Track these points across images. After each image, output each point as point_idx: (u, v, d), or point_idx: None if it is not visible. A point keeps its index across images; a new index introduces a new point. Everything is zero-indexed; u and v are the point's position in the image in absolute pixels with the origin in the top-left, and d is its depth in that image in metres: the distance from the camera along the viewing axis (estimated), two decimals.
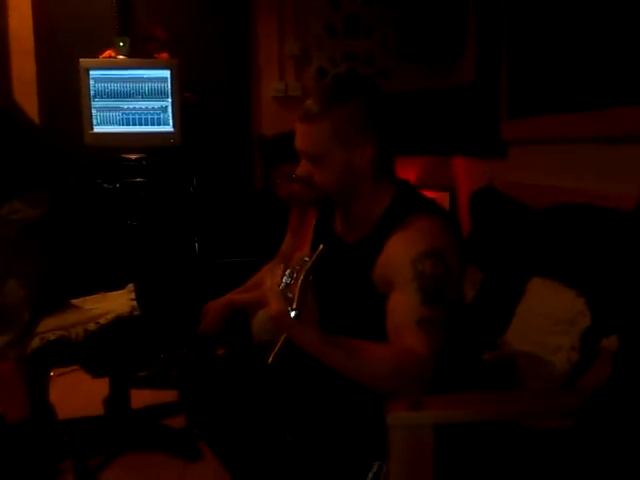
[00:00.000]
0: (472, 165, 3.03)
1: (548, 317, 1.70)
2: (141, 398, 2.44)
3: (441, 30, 3.06)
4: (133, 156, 3.12)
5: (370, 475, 1.19)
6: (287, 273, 1.16)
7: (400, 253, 1.26)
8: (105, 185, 3.07)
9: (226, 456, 1.45)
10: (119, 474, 2.16)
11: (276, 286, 1.16)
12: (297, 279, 1.13)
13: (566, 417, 1.26)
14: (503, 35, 2.58)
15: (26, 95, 3.27)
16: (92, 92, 3.07)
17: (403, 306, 1.23)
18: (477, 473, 1.27)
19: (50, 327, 2.01)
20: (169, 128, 3.11)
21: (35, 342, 1.98)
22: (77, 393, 2.65)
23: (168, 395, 2.49)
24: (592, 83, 1.96)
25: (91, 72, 3.06)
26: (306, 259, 1.14)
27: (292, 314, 1.12)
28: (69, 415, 2.38)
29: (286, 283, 1.15)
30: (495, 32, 2.65)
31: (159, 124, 3.11)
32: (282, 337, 1.32)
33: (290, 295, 1.13)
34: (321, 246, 1.15)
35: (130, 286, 2.32)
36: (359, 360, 1.18)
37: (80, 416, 2.40)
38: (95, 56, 3.09)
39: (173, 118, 3.10)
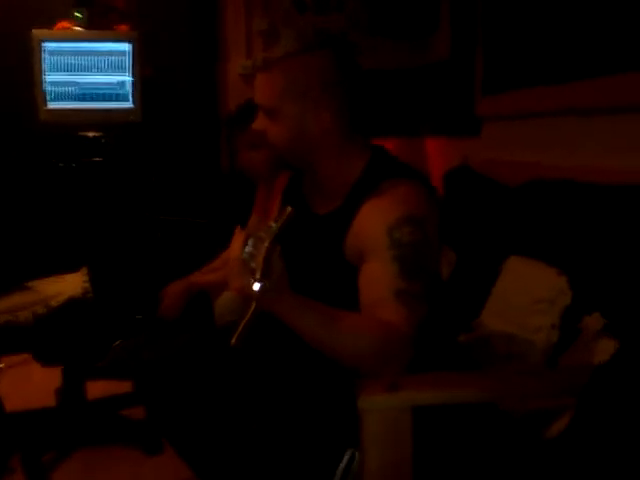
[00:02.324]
0: (445, 145, 2.95)
1: (527, 296, 1.62)
2: (97, 388, 2.30)
3: (414, 5, 2.96)
4: (90, 134, 2.96)
5: (342, 464, 1.08)
6: (250, 242, 1.05)
7: (374, 221, 1.16)
8: (60, 164, 2.91)
9: (186, 450, 1.34)
10: (74, 470, 2.03)
11: (236, 257, 1.05)
12: (261, 248, 1.01)
13: (548, 396, 1.19)
14: (478, 9, 2.49)
15: None
16: (46, 66, 2.91)
17: (379, 278, 1.13)
18: (455, 458, 1.18)
19: None
20: (128, 104, 2.96)
21: None
22: (28, 385, 2.50)
23: (127, 385, 2.35)
24: (567, 55, 1.90)
25: (44, 44, 2.90)
26: (272, 224, 1.03)
27: (257, 286, 1.01)
28: (20, 408, 2.24)
29: (249, 253, 1.04)
30: (470, 6, 2.56)
31: (117, 100, 2.96)
32: (245, 318, 1.21)
33: (253, 265, 1.02)
34: (288, 208, 1.04)
35: (85, 269, 2.17)
36: (335, 328, 1.09)
37: (31, 408, 2.26)
38: (49, 27, 2.92)
39: (133, 94, 2.95)
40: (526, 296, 1.63)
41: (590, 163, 1.71)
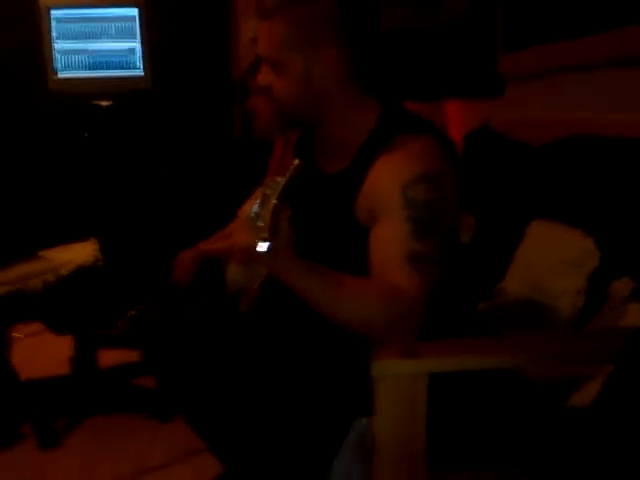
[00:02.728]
0: (466, 108, 2.85)
1: (551, 259, 1.55)
2: (110, 357, 2.28)
3: None
4: (102, 103, 2.91)
5: (354, 432, 1.03)
6: (257, 201, 0.98)
7: (387, 179, 1.09)
8: (72, 134, 2.86)
9: (196, 418, 1.31)
10: (87, 436, 2.03)
11: (244, 216, 0.99)
12: (269, 204, 0.95)
13: (572, 362, 1.12)
14: None
15: None
16: (54, 34, 2.85)
17: (390, 239, 1.06)
18: (472, 428, 1.12)
19: (7, 278, 1.84)
20: (138, 72, 2.90)
21: None
22: (43, 354, 2.50)
23: (139, 354, 2.33)
24: (594, 4, 1.79)
25: (52, 11, 2.84)
26: (278, 179, 0.96)
27: (264, 246, 0.95)
28: (34, 376, 2.24)
29: (256, 212, 0.98)
30: None
31: (127, 67, 2.89)
32: (256, 284, 1.17)
33: (261, 224, 0.96)
34: (296, 161, 0.97)
35: (96, 237, 2.14)
36: (343, 293, 1.03)
37: (45, 377, 2.25)
38: None
39: (142, 61, 2.89)
40: (550, 259, 1.55)
41: (621, 118, 1.61)
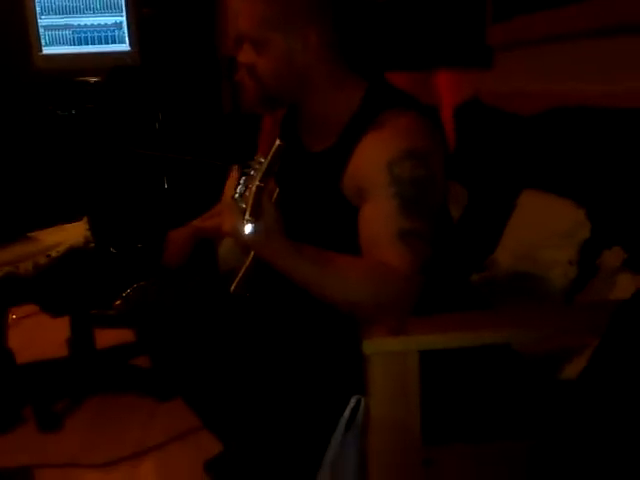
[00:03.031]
0: (455, 79, 2.82)
1: (542, 230, 1.55)
2: (107, 337, 2.29)
3: None
4: (91, 79, 2.87)
5: (347, 411, 1.04)
6: (241, 181, 0.98)
7: (373, 156, 1.08)
8: (59, 112, 2.82)
9: (191, 397, 1.32)
10: (85, 418, 2.04)
11: (229, 197, 0.98)
12: (252, 186, 0.95)
13: (563, 334, 1.13)
14: None
15: None
16: (38, 8, 2.79)
17: (379, 217, 1.06)
18: (465, 402, 1.14)
19: None
20: (125, 47, 2.85)
21: None
22: (40, 336, 2.50)
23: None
24: None
25: None
26: (261, 160, 0.96)
27: (247, 227, 0.95)
28: (32, 359, 2.24)
29: (240, 193, 0.98)
30: None
31: (114, 42, 2.85)
32: (245, 264, 1.16)
33: (244, 205, 0.96)
34: (277, 142, 0.96)
35: (86, 218, 2.12)
36: (331, 272, 1.03)
37: (42, 359, 2.26)
38: None
39: (129, 35, 2.84)
40: (542, 231, 1.56)
41: (611, 88, 1.60)
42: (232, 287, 1.15)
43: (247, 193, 0.96)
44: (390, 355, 0.98)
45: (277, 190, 1.24)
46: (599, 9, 1.68)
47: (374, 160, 1.07)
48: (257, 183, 0.95)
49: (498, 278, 1.66)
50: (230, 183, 1.05)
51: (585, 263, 1.42)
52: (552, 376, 1.19)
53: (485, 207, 1.90)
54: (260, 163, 0.96)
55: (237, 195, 0.97)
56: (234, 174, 1.06)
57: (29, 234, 1.99)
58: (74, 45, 2.87)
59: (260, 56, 1.14)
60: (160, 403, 2.05)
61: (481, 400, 1.11)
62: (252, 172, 0.97)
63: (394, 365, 0.98)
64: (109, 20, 2.85)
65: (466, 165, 2.14)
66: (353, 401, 1.04)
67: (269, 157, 0.96)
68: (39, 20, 2.82)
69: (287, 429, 1.17)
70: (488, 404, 1.11)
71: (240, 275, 1.15)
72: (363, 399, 1.02)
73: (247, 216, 0.95)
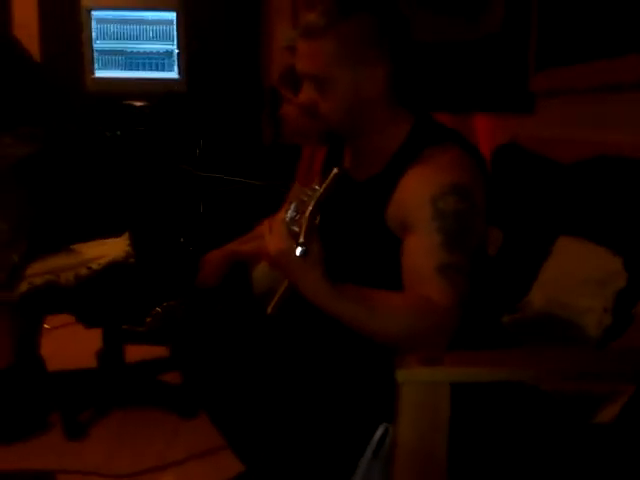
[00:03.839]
0: (496, 122, 2.85)
1: (578, 277, 1.55)
2: (137, 352, 2.33)
3: None
4: (137, 103, 2.97)
5: (375, 438, 1.05)
6: (292, 206, 1.00)
7: (418, 190, 1.11)
8: (107, 132, 2.93)
9: (219, 418, 1.33)
10: (110, 428, 2.07)
11: (279, 221, 1.01)
12: (305, 210, 0.97)
13: (594, 378, 1.13)
14: None
15: (27, 38, 3.08)
16: (94, 34, 2.92)
17: (421, 250, 1.08)
18: (492, 438, 1.14)
19: (39, 270, 1.89)
20: (174, 74, 2.96)
21: (23, 286, 1.86)
22: (72, 346, 2.55)
23: (165, 350, 2.38)
24: (626, 25, 1.79)
25: (93, 12, 2.91)
26: (316, 187, 0.98)
27: (298, 250, 0.97)
28: (62, 368, 2.29)
29: (291, 217, 1.00)
30: None
31: (164, 69, 2.95)
32: (283, 286, 1.18)
33: (296, 229, 0.98)
34: (335, 170, 0.99)
35: (128, 233, 2.18)
36: (372, 311, 1.05)
37: (72, 368, 2.30)
38: None
39: (178, 64, 2.94)
40: (577, 277, 1.56)
41: None
42: (269, 308, 1.17)
43: (299, 217, 0.98)
44: (422, 385, 0.99)
45: (318, 217, 1.27)
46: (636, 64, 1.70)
47: (418, 193, 1.10)
48: (311, 208, 0.97)
49: (530, 321, 1.66)
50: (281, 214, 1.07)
51: (620, 312, 1.42)
52: (583, 420, 1.19)
53: (520, 250, 1.91)
54: (314, 190, 0.99)
55: (289, 218, 1.00)
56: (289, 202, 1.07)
57: (72, 246, 2.05)
58: (125, 70, 2.98)
59: (324, 94, 1.17)
60: (184, 420, 2.07)
61: (507, 438, 1.11)
62: (305, 198, 0.99)
63: (425, 395, 0.99)
64: (161, 48, 2.96)
65: (503, 207, 2.15)
66: (381, 429, 1.05)
67: (325, 184, 0.99)
68: (94, 45, 2.94)
69: (313, 454, 1.18)
70: (515, 443, 1.11)
71: (278, 297, 1.17)
72: (391, 427, 1.03)
73: (301, 239, 0.97)
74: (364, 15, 1.15)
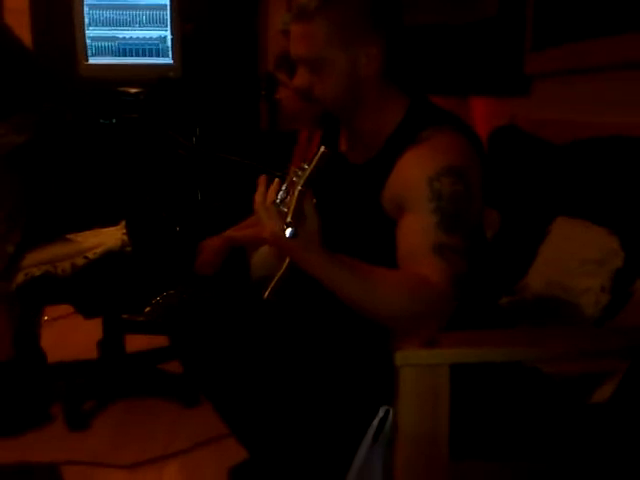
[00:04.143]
0: (491, 105, 2.84)
1: (575, 257, 1.55)
2: (137, 342, 2.33)
3: None
4: (132, 90, 2.94)
5: (376, 421, 1.05)
6: (283, 187, 1.00)
7: (414, 172, 1.11)
8: (101, 120, 2.90)
9: (221, 404, 1.33)
10: (112, 419, 2.07)
11: (269, 202, 1.00)
12: (294, 191, 0.97)
13: (593, 356, 1.13)
14: None
15: (18, 24, 3.07)
16: (87, 20, 2.90)
17: (417, 230, 1.08)
18: (493, 419, 1.14)
19: (36, 261, 1.88)
20: (168, 60, 2.94)
21: (20, 277, 1.86)
22: (72, 337, 2.55)
23: (165, 339, 2.37)
24: (621, 3, 1.77)
25: None
26: (305, 166, 0.98)
27: (288, 232, 0.97)
28: (63, 359, 2.29)
29: (281, 199, 0.99)
30: None
31: (157, 55, 2.93)
32: (280, 271, 1.18)
33: (285, 209, 0.97)
34: (322, 149, 0.98)
35: (124, 222, 2.17)
36: (368, 284, 1.04)
37: (73, 359, 2.30)
38: None
39: (172, 49, 2.92)
40: (574, 257, 1.55)
41: None
42: (266, 293, 1.17)
43: (288, 198, 0.98)
44: (421, 368, 0.99)
45: (314, 201, 1.27)
46: (636, 41, 1.69)
47: (414, 175, 1.10)
48: (299, 188, 0.97)
49: (528, 302, 1.66)
50: (261, 191, 1.06)
51: (618, 291, 1.42)
52: (581, 399, 1.19)
53: (518, 232, 1.91)
54: (303, 170, 0.98)
55: (278, 200, 0.99)
56: (263, 182, 1.07)
57: (68, 236, 2.04)
58: (119, 56, 2.95)
59: (320, 77, 1.16)
60: (186, 409, 2.07)
61: (509, 419, 1.12)
62: (294, 178, 0.99)
63: (424, 378, 0.99)
64: (154, 34, 2.94)
65: (499, 190, 2.15)
66: (382, 412, 1.05)
67: (313, 163, 0.98)
68: (87, 31, 2.92)
69: (314, 438, 1.18)
70: (516, 423, 1.11)
71: (274, 282, 1.17)
72: (392, 410, 1.03)
73: (288, 219, 0.97)
74: None
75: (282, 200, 0.99)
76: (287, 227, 0.97)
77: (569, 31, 2.09)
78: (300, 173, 0.99)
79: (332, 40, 1.13)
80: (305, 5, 1.14)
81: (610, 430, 0.79)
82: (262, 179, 1.07)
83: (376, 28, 1.15)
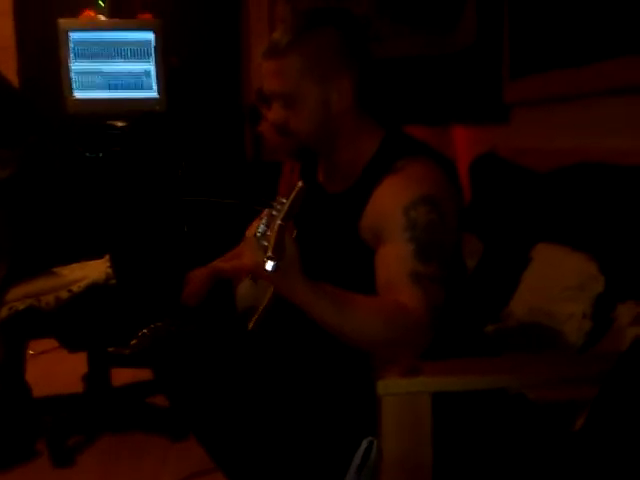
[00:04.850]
0: (472, 134, 2.88)
1: (557, 283, 1.57)
2: (123, 375, 2.31)
3: None
4: (118, 123, 2.97)
5: (359, 453, 1.06)
6: (263, 221, 1.02)
7: (390, 201, 1.13)
8: (87, 154, 2.92)
9: (205, 436, 1.32)
10: (99, 454, 2.05)
11: (251, 236, 1.02)
12: (274, 225, 0.99)
13: (573, 383, 1.14)
14: None
15: (4, 60, 3.11)
16: (72, 55, 2.93)
17: (394, 259, 1.10)
18: (476, 447, 1.14)
19: (20, 295, 1.87)
20: (153, 93, 2.96)
21: (3, 312, 1.85)
22: (58, 372, 2.53)
23: (152, 372, 2.36)
24: (598, 32, 1.82)
25: (71, 34, 2.91)
26: (283, 201, 1.00)
27: (268, 265, 0.98)
28: (49, 394, 2.27)
29: (262, 232, 1.01)
30: None
31: (142, 89, 2.96)
32: (264, 302, 1.20)
33: (265, 243, 0.99)
34: (299, 183, 1.01)
35: (109, 255, 2.17)
36: (347, 310, 1.06)
37: (58, 394, 2.28)
38: (74, 16, 2.93)
39: (157, 83, 2.96)
40: (556, 284, 1.57)
41: (624, 146, 1.64)
42: (250, 324, 1.18)
43: (269, 232, 1.00)
44: (402, 396, 1.00)
45: (295, 231, 1.28)
46: (613, 69, 1.74)
47: (390, 204, 1.12)
48: (279, 222, 0.99)
49: (513, 330, 1.67)
50: (252, 226, 1.09)
51: (599, 317, 1.43)
52: (567, 426, 1.20)
53: (500, 259, 1.93)
54: (282, 204, 1.00)
55: (259, 234, 1.01)
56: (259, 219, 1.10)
57: (53, 269, 2.04)
58: (104, 90, 2.98)
59: (293, 111, 1.19)
60: (173, 443, 2.05)
61: (492, 446, 1.12)
62: (274, 212, 1.01)
63: (406, 406, 0.99)
64: (138, 68, 2.97)
65: (481, 218, 2.17)
66: (365, 443, 1.05)
67: (291, 198, 1.00)
68: (72, 66, 2.94)
69: (300, 471, 1.18)
70: (499, 450, 1.11)
71: (258, 313, 1.18)
72: (375, 441, 1.04)
73: (269, 253, 0.99)
74: (327, 29, 1.17)
75: (263, 233, 1.01)
76: (268, 260, 0.99)
77: (547, 59, 2.13)
78: (279, 207, 1.01)
79: (304, 75, 1.16)
80: (277, 41, 1.16)
81: (583, 457, 0.80)
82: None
83: (347, 61, 1.18)
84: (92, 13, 2.92)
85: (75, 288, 1.89)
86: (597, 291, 1.45)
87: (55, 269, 2.04)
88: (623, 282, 1.41)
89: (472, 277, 1.96)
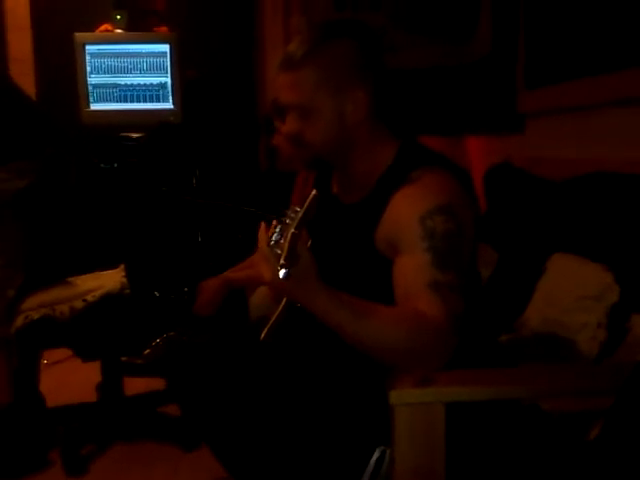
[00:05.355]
0: (487, 143, 2.88)
1: (571, 293, 1.56)
2: (136, 385, 2.32)
3: (454, 3, 2.91)
4: (134, 135, 3.00)
5: (372, 462, 1.05)
6: (276, 230, 1.02)
7: (406, 211, 1.12)
8: (102, 165, 2.95)
9: (218, 446, 1.32)
10: (111, 463, 2.05)
11: (264, 244, 1.02)
12: (287, 233, 0.99)
13: (587, 394, 1.13)
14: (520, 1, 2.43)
15: (22, 73, 3.16)
16: (88, 68, 2.97)
17: (412, 269, 1.09)
18: (490, 457, 1.13)
19: (35, 304, 1.89)
20: (169, 105, 2.99)
21: (19, 320, 1.86)
22: (71, 381, 2.54)
23: (165, 382, 2.37)
24: (614, 42, 1.81)
25: (87, 47, 2.96)
26: (297, 209, 1.00)
27: (281, 273, 0.98)
28: (62, 403, 2.28)
29: (275, 241, 1.01)
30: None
31: (158, 101, 2.99)
32: (276, 312, 1.19)
33: (279, 252, 0.99)
34: (313, 192, 1.00)
35: (123, 265, 2.19)
36: (366, 320, 1.04)
37: (72, 403, 2.29)
38: (91, 30, 2.97)
39: (173, 95, 2.98)
40: (571, 294, 1.56)
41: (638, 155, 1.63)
42: (262, 335, 1.18)
43: (282, 241, 1.00)
44: (415, 406, 0.99)
45: (310, 241, 1.28)
46: (628, 79, 1.73)
47: (406, 215, 1.12)
48: (292, 230, 0.99)
49: (527, 340, 1.66)
50: (262, 235, 1.09)
51: (614, 327, 1.42)
52: (581, 437, 1.18)
53: (515, 269, 1.92)
54: (296, 212, 1.00)
55: (273, 242, 1.01)
56: (264, 227, 1.10)
57: (68, 279, 2.06)
58: (120, 102, 3.01)
59: (309, 123, 1.19)
60: (185, 452, 2.06)
61: (505, 456, 1.11)
62: (288, 221, 1.01)
63: (419, 416, 0.99)
64: (154, 80, 3.00)
65: (496, 228, 2.16)
66: (378, 452, 1.04)
67: (304, 206, 1.00)
68: (89, 78, 2.98)
69: None
70: (512, 460, 1.10)
71: (270, 323, 1.18)
72: (388, 450, 1.03)
73: (282, 261, 0.98)
74: (342, 41, 1.18)
75: (277, 242, 1.01)
76: (281, 268, 0.98)
77: (561, 69, 2.13)
78: (293, 215, 1.00)
79: (320, 87, 1.16)
80: (293, 54, 1.17)
81: (597, 468, 0.78)
82: (263, 224, 1.09)
83: (363, 73, 1.18)
84: (109, 27, 2.96)
85: (90, 298, 1.90)
86: (612, 301, 1.44)
87: (70, 279, 2.06)
88: (638, 292, 1.39)
89: (487, 287, 1.95)
